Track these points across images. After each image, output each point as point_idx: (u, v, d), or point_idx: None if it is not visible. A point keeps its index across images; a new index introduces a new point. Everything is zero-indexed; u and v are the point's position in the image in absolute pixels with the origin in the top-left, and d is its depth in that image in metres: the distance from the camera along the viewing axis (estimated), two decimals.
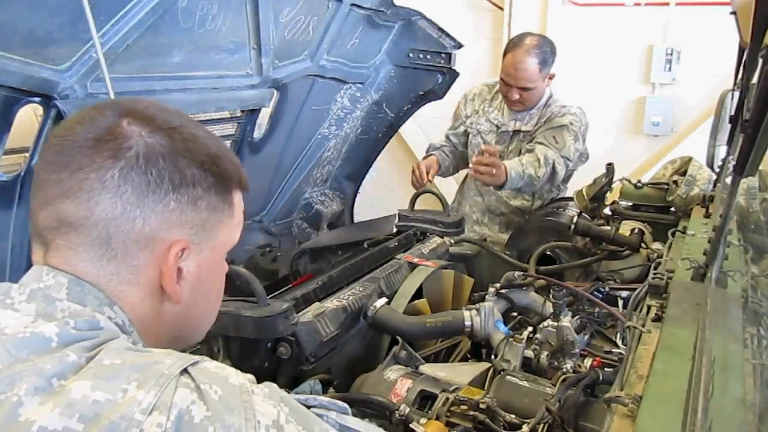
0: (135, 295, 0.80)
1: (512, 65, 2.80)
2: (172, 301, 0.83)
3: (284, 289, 1.88)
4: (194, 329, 0.93)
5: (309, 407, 0.79)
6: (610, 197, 2.74)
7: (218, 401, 0.67)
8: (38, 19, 1.44)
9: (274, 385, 0.75)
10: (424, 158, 3.06)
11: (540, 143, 2.83)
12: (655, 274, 1.74)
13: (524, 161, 2.71)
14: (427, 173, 2.86)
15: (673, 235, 2.20)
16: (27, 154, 1.67)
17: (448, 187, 3.50)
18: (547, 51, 2.83)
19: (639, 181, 2.63)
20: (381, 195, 4.78)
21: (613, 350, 1.75)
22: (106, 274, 0.78)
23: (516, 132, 3.02)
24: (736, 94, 2.31)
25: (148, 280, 0.80)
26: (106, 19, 1.58)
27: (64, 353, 0.68)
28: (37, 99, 1.54)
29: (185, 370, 0.69)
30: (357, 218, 3.38)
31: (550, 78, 2.92)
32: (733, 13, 1.54)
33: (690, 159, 2.64)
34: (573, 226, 2.30)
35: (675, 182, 2.52)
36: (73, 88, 1.58)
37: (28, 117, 1.78)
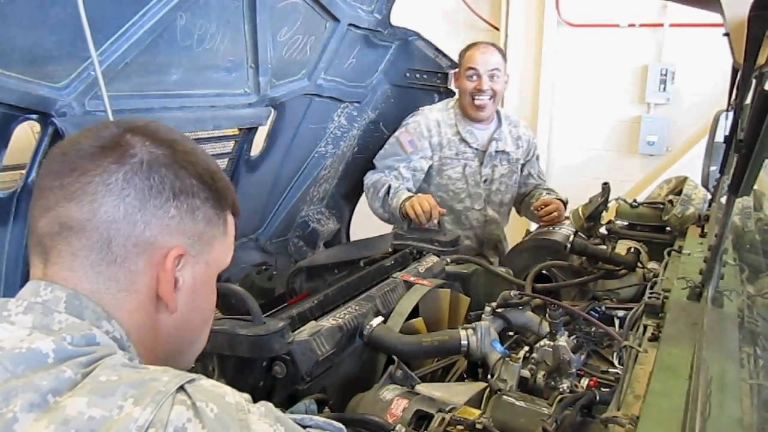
0: (132, 303, 0.81)
1: (478, 51, 2.91)
2: (168, 310, 0.84)
3: (280, 307, 1.87)
4: (188, 346, 0.93)
5: (305, 427, 0.79)
6: (606, 216, 2.74)
7: (214, 419, 0.67)
8: (37, 36, 1.45)
9: (270, 405, 0.75)
10: (409, 198, 2.63)
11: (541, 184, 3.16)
12: (651, 293, 1.73)
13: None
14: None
15: (668, 254, 2.21)
16: (23, 171, 1.67)
17: None
18: (501, 50, 3.03)
19: (635, 201, 2.64)
20: None
21: (609, 370, 1.74)
22: (105, 279, 0.79)
23: (501, 152, 3.03)
24: (730, 114, 2.34)
25: (146, 288, 0.81)
26: (105, 37, 1.59)
27: (60, 369, 0.68)
28: (34, 116, 1.54)
29: (182, 388, 0.69)
30: (353, 237, 3.38)
31: (506, 81, 3.04)
32: (726, 34, 1.56)
33: (685, 179, 2.65)
34: (569, 245, 2.30)
35: (670, 202, 2.53)
36: (71, 105, 1.58)
37: (25, 134, 1.78)
